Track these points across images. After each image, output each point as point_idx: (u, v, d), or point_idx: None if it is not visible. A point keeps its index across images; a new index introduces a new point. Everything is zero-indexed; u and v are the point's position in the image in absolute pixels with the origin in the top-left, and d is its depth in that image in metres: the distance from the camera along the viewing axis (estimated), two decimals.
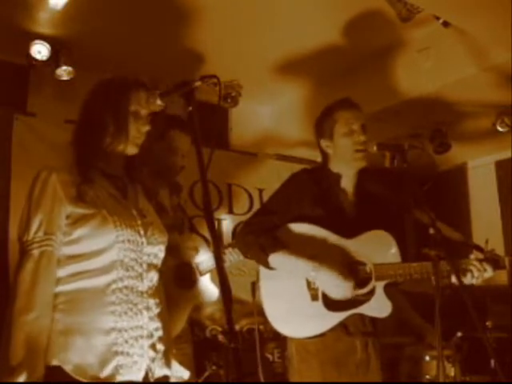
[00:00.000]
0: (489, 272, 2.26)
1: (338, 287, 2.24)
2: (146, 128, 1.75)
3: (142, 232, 1.70)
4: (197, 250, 2.66)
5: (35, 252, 1.58)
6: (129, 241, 1.65)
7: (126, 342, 1.59)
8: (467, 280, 2.25)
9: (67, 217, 1.62)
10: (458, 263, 2.25)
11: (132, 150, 1.77)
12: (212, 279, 2.66)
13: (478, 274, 2.24)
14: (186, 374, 1.81)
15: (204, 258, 2.68)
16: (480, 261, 2.27)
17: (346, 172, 2.47)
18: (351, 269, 2.30)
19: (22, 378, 1.46)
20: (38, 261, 1.57)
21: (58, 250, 1.61)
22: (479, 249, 2.36)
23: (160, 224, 1.82)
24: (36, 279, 1.55)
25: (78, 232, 1.61)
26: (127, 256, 1.64)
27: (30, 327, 1.50)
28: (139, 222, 1.71)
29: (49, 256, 1.59)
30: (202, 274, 2.67)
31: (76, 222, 1.61)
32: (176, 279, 2.53)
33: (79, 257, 1.61)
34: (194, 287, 2.65)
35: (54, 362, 1.52)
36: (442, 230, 2.12)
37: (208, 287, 2.68)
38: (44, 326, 1.53)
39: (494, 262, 2.29)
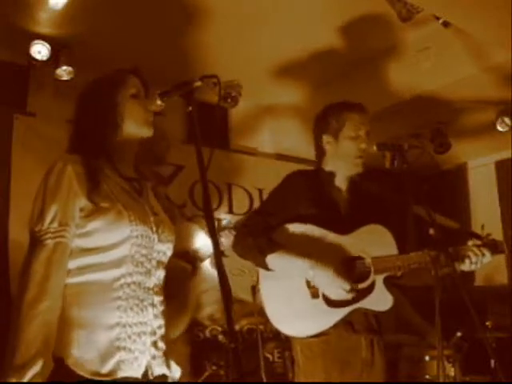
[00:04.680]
0: (487, 257, 2.27)
1: (336, 288, 2.24)
2: (153, 107, 1.75)
3: (154, 228, 1.70)
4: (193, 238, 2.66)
5: (49, 242, 1.55)
6: (142, 236, 1.64)
7: (129, 337, 1.58)
8: (466, 267, 2.26)
9: (81, 209, 1.60)
10: (456, 252, 2.25)
11: (147, 131, 1.78)
12: (212, 264, 2.64)
13: (475, 260, 2.25)
14: (177, 373, 1.81)
15: (203, 244, 2.67)
16: (478, 246, 2.27)
17: (341, 172, 2.49)
18: (350, 265, 2.31)
19: (38, 368, 1.44)
20: (52, 251, 1.55)
21: (72, 241, 1.59)
22: (476, 235, 2.36)
23: (169, 222, 1.81)
24: (49, 270, 1.53)
25: (92, 225, 1.59)
26: (138, 252, 1.63)
27: (43, 318, 1.48)
28: (152, 219, 1.71)
29: (63, 247, 1.57)
30: (202, 260, 2.66)
31: (90, 214, 1.60)
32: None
33: (92, 250, 1.60)
34: (195, 275, 2.65)
35: (57, 355, 1.51)
36: (438, 221, 2.11)
37: (209, 272, 2.67)
38: (55, 317, 1.52)
39: (492, 246, 2.29)
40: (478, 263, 2.25)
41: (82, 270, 1.59)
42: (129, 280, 1.61)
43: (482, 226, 2.34)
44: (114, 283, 1.59)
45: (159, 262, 1.71)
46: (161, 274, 1.72)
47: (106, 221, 1.59)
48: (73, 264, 1.59)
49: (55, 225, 1.57)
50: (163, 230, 1.74)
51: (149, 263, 1.67)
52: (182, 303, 2.42)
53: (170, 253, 1.77)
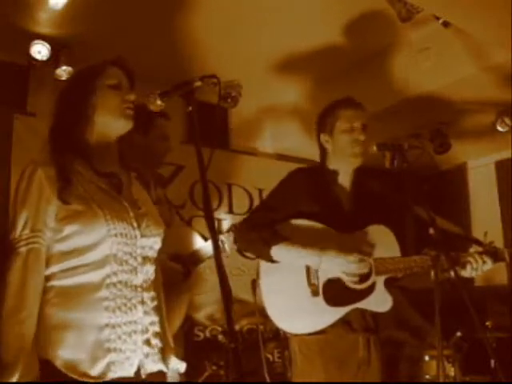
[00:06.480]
0: (488, 264, 2.28)
1: (346, 264, 2.25)
2: (132, 97, 1.70)
3: (135, 224, 1.65)
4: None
5: (23, 250, 1.55)
6: (121, 234, 1.61)
7: (119, 337, 1.57)
8: (467, 273, 2.27)
9: (56, 214, 1.58)
10: (458, 257, 2.26)
11: (125, 124, 1.71)
12: (206, 267, 2.66)
13: (477, 267, 2.26)
14: (182, 366, 1.79)
15: (203, 245, 2.67)
16: (479, 253, 2.28)
17: (343, 169, 2.48)
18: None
19: (15, 377, 1.44)
20: (25, 258, 1.54)
21: (46, 247, 1.58)
22: (478, 242, 2.37)
23: (156, 214, 1.77)
24: (25, 277, 1.52)
25: (69, 228, 1.57)
26: (120, 250, 1.60)
27: (22, 326, 1.49)
28: (132, 215, 1.66)
29: (36, 253, 1.56)
30: (203, 260, 2.68)
31: (65, 218, 1.57)
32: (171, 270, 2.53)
33: (72, 253, 1.57)
34: (188, 277, 2.65)
35: (44, 357, 1.51)
36: (441, 225, 2.12)
37: (204, 276, 2.69)
38: (34, 323, 1.52)
39: (494, 254, 2.30)
40: (479, 270, 2.26)
41: (66, 272, 1.57)
42: (114, 279, 1.58)
43: (485, 233, 2.34)
44: (99, 284, 1.57)
45: (145, 258, 1.67)
46: (149, 269, 1.68)
47: (81, 223, 1.56)
48: (56, 267, 1.58)
49: (27, 231, 1.56)
50: (148, 224, 1.69)
51: (134, 260, 1.63)
52: (173, 305, 2.42)
53: (157, 246, 1.73)
